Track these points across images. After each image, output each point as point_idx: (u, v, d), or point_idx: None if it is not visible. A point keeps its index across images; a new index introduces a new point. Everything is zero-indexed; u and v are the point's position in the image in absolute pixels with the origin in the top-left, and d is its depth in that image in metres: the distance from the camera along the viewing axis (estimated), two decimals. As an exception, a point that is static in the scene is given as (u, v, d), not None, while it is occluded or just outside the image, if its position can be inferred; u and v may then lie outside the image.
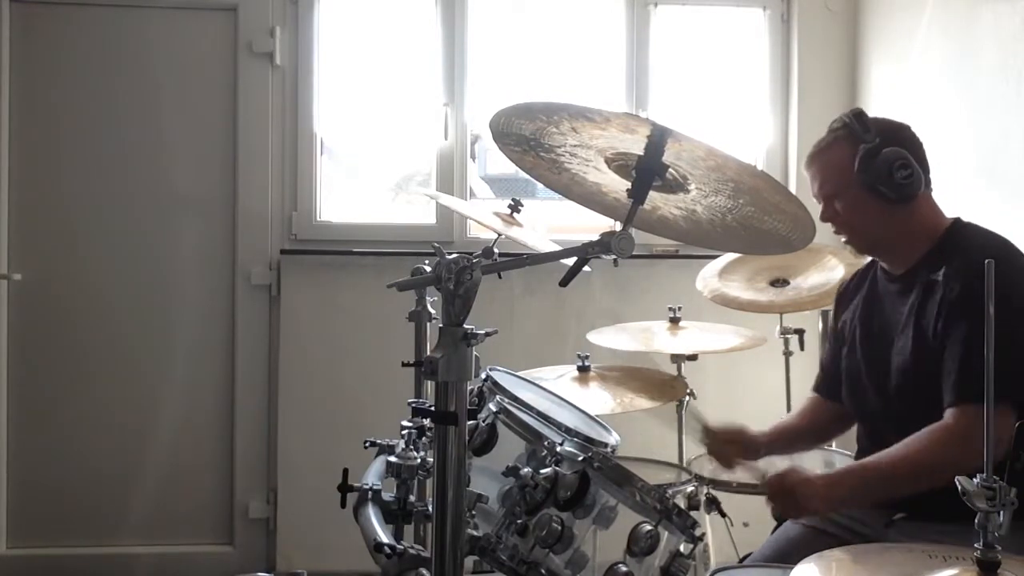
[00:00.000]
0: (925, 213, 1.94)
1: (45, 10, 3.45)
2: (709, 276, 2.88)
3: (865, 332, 2.03)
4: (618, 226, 1.35)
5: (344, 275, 3.52)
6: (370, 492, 1.64)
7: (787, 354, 2.92)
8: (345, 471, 1.66)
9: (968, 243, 1.89)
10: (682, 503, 2.40)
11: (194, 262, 3.54)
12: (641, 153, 1.34)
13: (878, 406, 1.98)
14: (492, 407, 1.55)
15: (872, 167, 1.87)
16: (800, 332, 2.91)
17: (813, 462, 2.60)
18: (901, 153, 1.87)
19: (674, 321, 2.82)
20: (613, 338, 2.78)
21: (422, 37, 3.63)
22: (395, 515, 1.66)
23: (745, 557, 2.28)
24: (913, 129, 1.98)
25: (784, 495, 1.81)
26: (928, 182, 1.94)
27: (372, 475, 1.70)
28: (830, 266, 2.78)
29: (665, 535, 1.40)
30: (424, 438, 1.75)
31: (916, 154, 1.92)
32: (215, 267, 3.53)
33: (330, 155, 3.73)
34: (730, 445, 2.18)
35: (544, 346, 3.38)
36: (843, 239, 2.02)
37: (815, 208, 1.40)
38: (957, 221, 1.97)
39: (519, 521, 1.40)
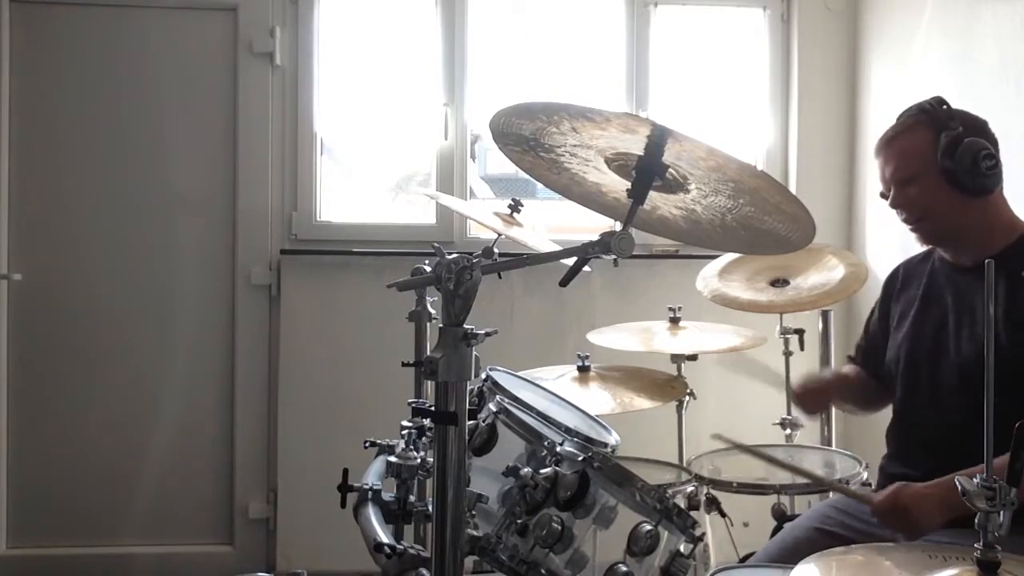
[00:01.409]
0: (1001, 209, 1.93)
1: (45, 10, 3.45)
2: (709, 276, 2.88)
3: (926, 319, 2.01)
4: (618, 226, 1.35)
5: (344, 275, 3.52)
6: (370, 492, 1.65)
7: (787, 354, 2.92)
8: (345, 471, 1.66)
9: None
10: (682, 503, 2.40)
11: (194, 262, 3.54)
12: (641, 153, 1.34)
13: (933, 394, 1.95)
14: (492, 407, 1.55)
15: (956, 155, 1.84)
16: (800, 332, 2.91)
17: (813, 462, 2.60)
18: (984, 144, 1.85)
19: (674, 321, 2.82)
20: (613, 338, 2.78)
21: (422, 37, 3.63)
22: (395, 515, 1.66)
23: (745, 557, 2.28)
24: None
25: (898, 516, 1.75)
26: (1001, 177, 1.91)
27: (372, 475, 1.70)
28: (830, 266, 2.78)
29: (665, 535, 1.40)
30: (424, 438, 1.75)
31: (995, 151, 1.90)
32: (215, 267, 3.53)
33: (330, 155, 3.72)
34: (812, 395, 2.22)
35: (544, 346, 3.38)
36: (910, 227, 1.99)
37: (815, 208, 1.39)
38: None
39: (519, 521, 1.40)
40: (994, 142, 1.92)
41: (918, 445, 2.00)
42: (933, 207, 1.93)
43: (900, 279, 2.14)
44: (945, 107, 1.90)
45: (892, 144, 1.97)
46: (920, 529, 1.75)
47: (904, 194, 1.95)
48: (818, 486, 2.34)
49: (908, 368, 2.03)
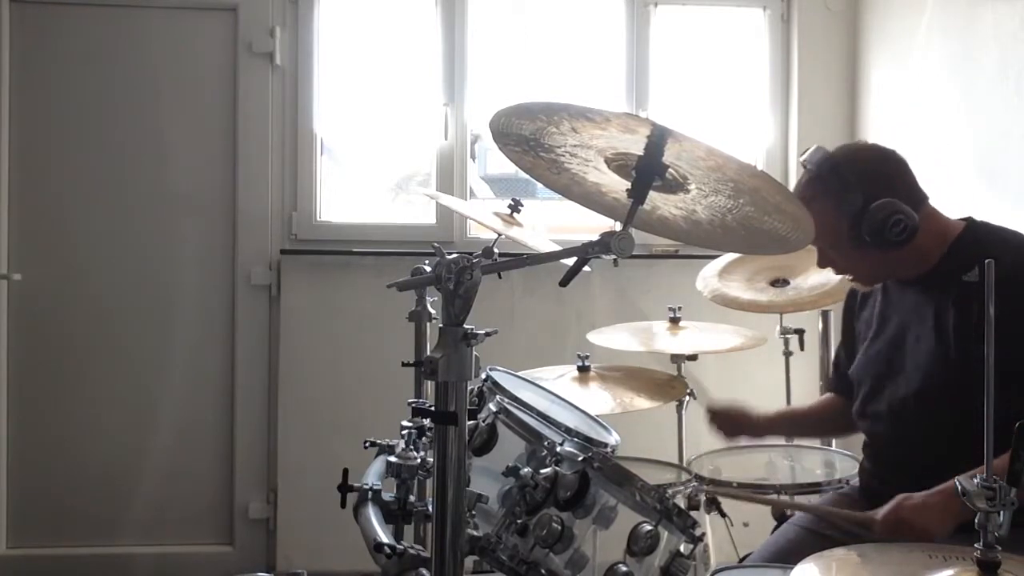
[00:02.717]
0: (928, 229, 1.87)
1: (45, 10, 3.45)
2: (709, 276, 2.88)
3: (882, 336, 1.99)
4: (618, 226, 1.35)
5: (344, 275, 3.52)
6: (370, 492, 1.64)
7: (787, 354, 2.92)
8: (345, 471, 1.66)
9: (1000, 245, 1.81)
10: (682, 503, 2.40)
11: (194, 262, 3.54)
12: (641, 153, 1.34)
13: (892, 411, 1.94)
14: (492, 407, 1.55)
15: (862, 229, 1.81)
16: (800, 332, 2.91)
17: (813, 462, 2.60)
18: (890, 206, 1.80)
19: (674, 321, 2.82)
20: (613, 338, 2.78)
21: (422, 37, 3.63)
22: (395, 515, 1.66)
23: (745, 557, 2.28)
24: (894, 158, 1.90)
25: (903, 532, 1.70)
26: (923, 198, 1.88)
27: (372, 475, 1.70)
28: (830, 266, 2.78)
29: (665, 535, 1.40)
30: (424, 438, 1.75)
31: (904, 187, 1.86)
32: (215, 267, 3.54)
33: (330, 155, 3.73)
34: (731, 421, 2.27)
35: (544, 346, 3.38)
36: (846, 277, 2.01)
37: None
38: (972, 221, 1.92)
39: (519, 521, 1.40)
40: (900, 178, 1.87)
41: (884, 463, 2.00)
42: (855, 268, 1.95)
43: (859, 298, 2.12)
44: (837, 172, 1.84)
45: None
46: (928, 540, 1.69)
47: (825, 257, 1.95)
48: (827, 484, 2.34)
49: (870, 389, 2.01)
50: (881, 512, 1.76)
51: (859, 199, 1.82)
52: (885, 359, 1.97)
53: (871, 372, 2.01)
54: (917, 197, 1.88)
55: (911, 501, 1.73)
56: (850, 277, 2.00)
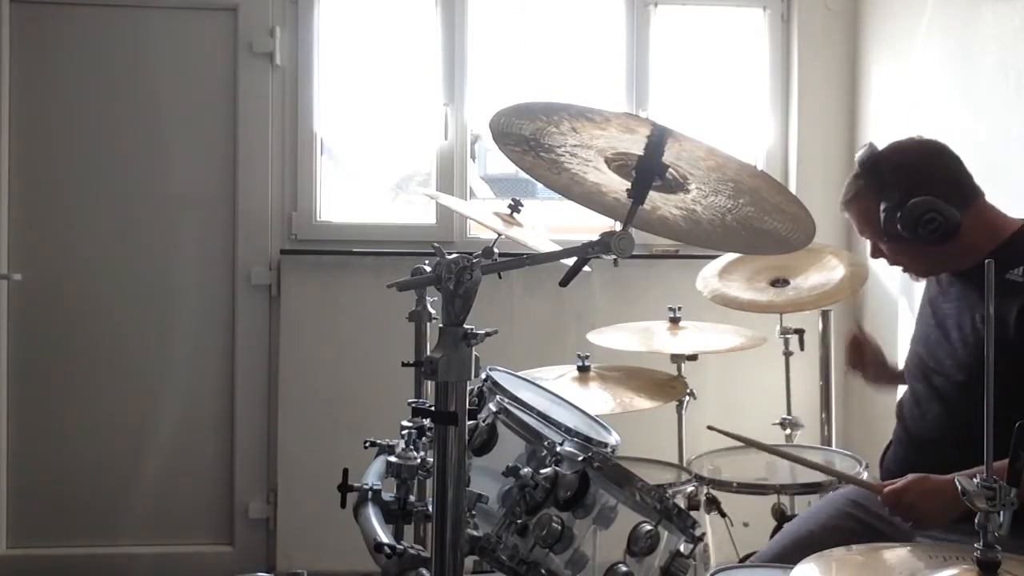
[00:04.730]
0: (980, 225, 1.89)
1: (45, 10, 3.45)
2: (709, 276, 2.88)
3: (927, 325, 2.03)
4: (618, 226, 1.35)
5: (344, 275, 3.52)
6: (370, 492, 1.65)
7: (787, 354, 2.92)
8: (345, 471, 1.67)
9: None
10: (682, 503, 2.40)
11: (194, 262, 3.54)
12: (641, 153, 1.34)
13: (928, 397, 1.97)
14: (492, 407, 1.55)
15: (896, 226, 1.84)
16: (800, 332, 2.91)
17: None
18: (925, 204, 1.81)
19: (674, 321, 2.82)
20: (613, 338, 2.78)
21: (422, 37, 3.63)
22: (395, 515, 1.66)
23: (745, 557, 2.28)
24: (941, 154, 1.92)
25: (905, 507, 1.75)
26: (973, 195, 1.90)
27: (372, 475, 1.70)
28: (830, 266, 2.78)
29: (665, 535, 1.40)
30: (424, 438, 1.75)
31: (947, 184, 1.87)
32: (215, 267, 3.53)
33: (330, 155, 3.73)
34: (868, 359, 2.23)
35: (544, 346, 3.38)
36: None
37: (815, 208, 1.40)
38: None
39: (519, 521, 1.40)
40: (944, 178, 1.88)
41: (915, 450, 2.01)
42: (904, 261, 1.98)
43: (927, 287, 2.15)
44: (876, 172, 1.88)
45: (847, 208, 2.02)
46: (926, 523, 1.76)
47: (877, 250, 2.00)
48: (828, 476, 2.33)
49: (910, 378, 2.05)
50: (889, 487, 1.78)
51: (895, 195, 1.85)
52: (925, 347, 2.01)
53: (911, 361, 2.05)
54: (964, 194, 1.89)
55: (925, 485, 1.74)
56: (901, 269, 2.02)
